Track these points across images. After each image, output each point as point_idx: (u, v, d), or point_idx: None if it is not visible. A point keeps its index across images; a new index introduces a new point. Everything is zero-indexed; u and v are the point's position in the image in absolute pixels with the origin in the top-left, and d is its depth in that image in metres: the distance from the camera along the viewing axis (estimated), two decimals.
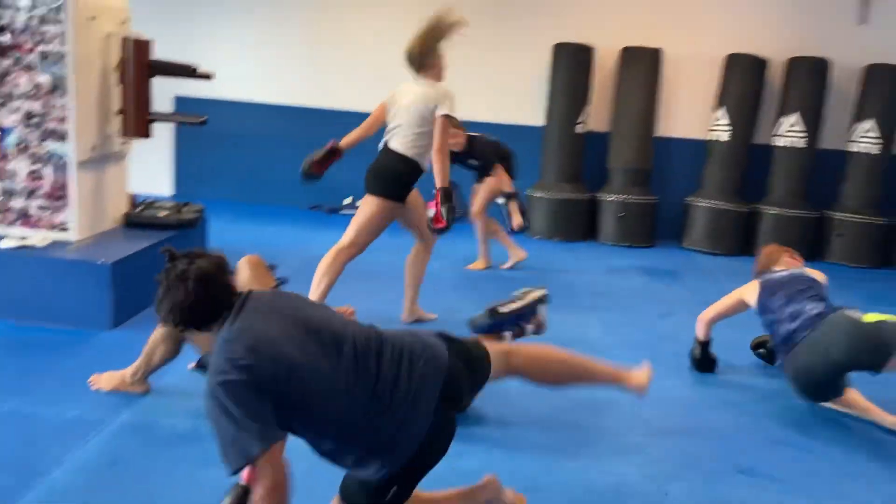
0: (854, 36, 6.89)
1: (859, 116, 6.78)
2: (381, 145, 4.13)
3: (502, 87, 7.28)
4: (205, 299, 1.91)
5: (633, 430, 3.17)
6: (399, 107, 4.03)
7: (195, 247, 2.09)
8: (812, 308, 3.52)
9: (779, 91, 6.93)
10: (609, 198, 6.94)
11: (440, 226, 3.95)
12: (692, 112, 7.16)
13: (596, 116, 7.11)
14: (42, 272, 3.80)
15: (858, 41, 6.85)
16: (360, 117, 7.35)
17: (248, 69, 7.38)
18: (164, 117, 4.16)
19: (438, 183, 3.93)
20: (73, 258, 3.86)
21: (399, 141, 4.02)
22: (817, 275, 3.87)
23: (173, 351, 3.01)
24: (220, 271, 1.95)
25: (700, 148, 7.09)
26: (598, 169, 7.11)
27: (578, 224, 7.01)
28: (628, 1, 7.07)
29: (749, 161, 6.93)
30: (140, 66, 4.09)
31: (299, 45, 7.43)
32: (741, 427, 3.30)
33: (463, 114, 7.25)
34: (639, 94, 6.93)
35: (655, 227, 7.03)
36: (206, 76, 4.30)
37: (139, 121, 4.12)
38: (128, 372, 3.06)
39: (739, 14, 7.02)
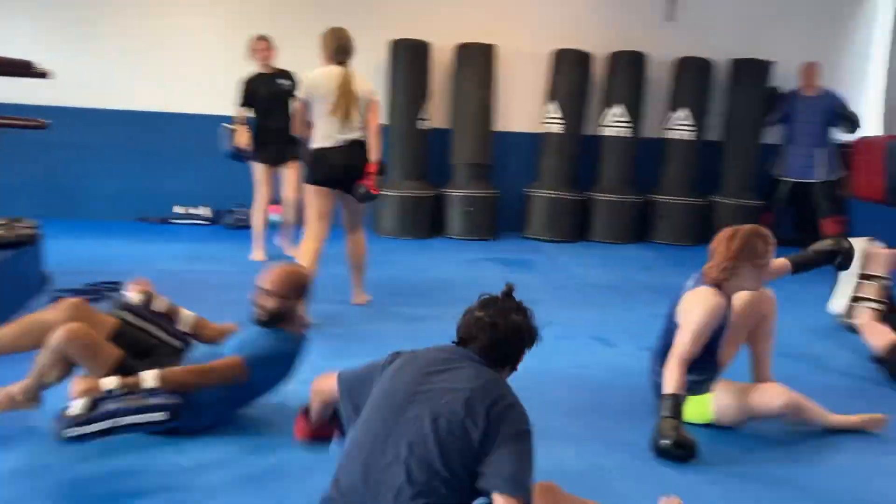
0: (665, 31, 7.46)
1: (674, 106, 7.36)
2: (338, 142, 4.28)
3: None
4: (493, 344, 2.05)
5: (550, 413, 3.21)
6: (348, 98, 4.29)
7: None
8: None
9: (603, 84, 7.35)
10: (454, 193, 7.03)
11: (377, 193, 4.41)
12: (526, 106, 7.42)
13: (437, 113, 7.17)
14: None
15: (669, 36, 7.42)
16: (178, 118, 6.97)
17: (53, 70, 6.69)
18: None
19: (378, 157, 4.39)
20: None
21: (360, 132, 4.36)
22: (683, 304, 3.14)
23: (65, 372, 2.68)
24: (520, 337, 2.10)
25: (535, 140, 7.36)
26: (443, 165, 7.18)
27: (426, 220, 7.04)
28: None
29: (580, 151, 7.29)
30: None
31: (110, 45, 6.85)
32: (642, 402, 3.41)
33: None
34: (476, 90, 7.07)
35: (498, 219, 7.21)
36: (42, 74, 3.83)
37: None
38: (15, 389, 2.66)
39: (565, 11, 7.37)
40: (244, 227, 6.77)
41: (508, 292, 2.13)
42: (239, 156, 5.63)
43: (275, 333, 2.86)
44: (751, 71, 7.33)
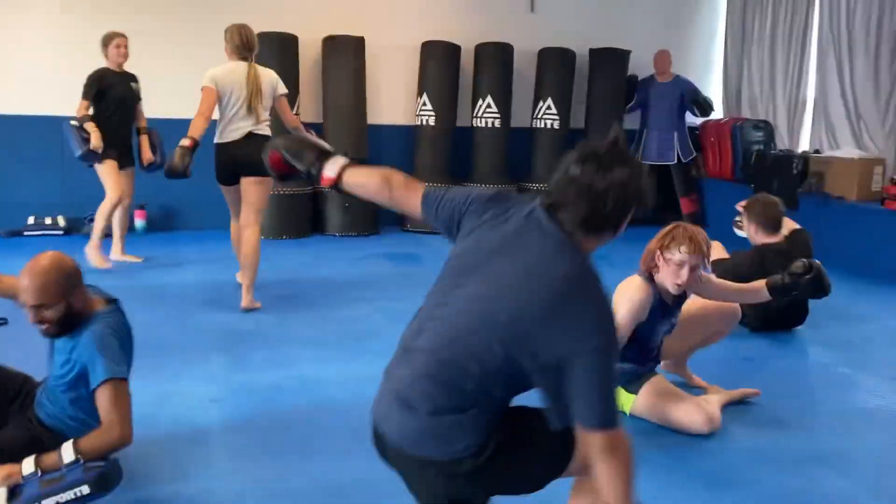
0: (527, 22, 7.62)
1: (539, 96, 7.55)
2: (240, 136, 4.39)
3: None
4: (591, 212, 1.66)
5: None
6: (254, 93, 4.38)
7: None
8: None
9: (472, 75, 7.42)
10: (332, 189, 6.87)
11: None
12: (399, 99, 7.37)
13: (307, 107, 6.98)
14: None
15: (532, 27, 7.59)
16: (17, 120, 6.39)
17: None
18: None
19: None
20: None
21: (265, 127, 4.47)
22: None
23: None
24: (623, 199, 1.68)
25: (409, 133, 7.34)
26: None
27: (304, 219, 6.86)
28: None
29: (454, 143, 7.33)
30: None
31: None
32: None
33: (168, 111, 6.74)
34: (347, 84, 6.93)
35: (378, 213, 7.13)
36: None
37: None
38: None
39: (432, 2, 7.37)
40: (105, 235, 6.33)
41: (614, 140, 1.69)
42: (91, 157, 5.28)
43: (91, 330, 2.36)
44: (609, 60, 7.62)
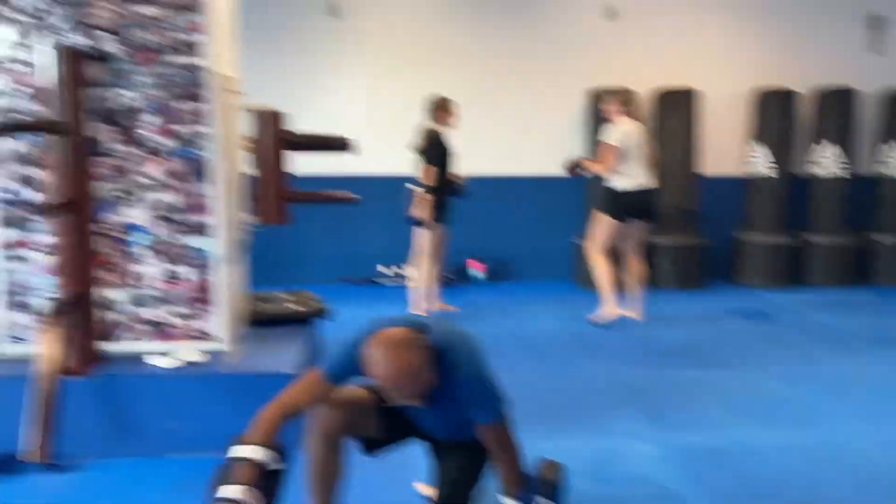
0: (870, 63, 7.09)
1: (886, 140, 6.98)
2: (643, 186, 5.31)
3: (544, 137, 7.04)
4: None
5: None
6: (645, 147, 5.37)
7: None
8: None
9: (810, 122, 7.03)
10: (660, 241, 6.77)
11: None
12: (727, 149, 7.14)
13: None
14: (215, 392, 3.17)
15: (875, 68, 7.06)
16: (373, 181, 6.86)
17: None
18: (310, 197, 3.63)
19: None
20: (252, 371, 3.24)
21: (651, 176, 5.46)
22: None
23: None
24: None
25: (739, 184, 7.09)
26: None
27: None
28: (662, 45, 7.03)
29: (791, 192, 6.97)
30: (277, 140, 3.56)
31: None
32: None
33: (510, 168, 7.03)
34: (679, 135, 6.86)
35: (704, 265, 6.90)
36: (351, 148, 3.77)
37: (279, 204, 3.58)
38: None
39: (762, 47, 7.11)
40: (454, 284, 6.65)
41: None
42: (420, 224, 5.47)
43: (461, 370, 2.18)
44: None
